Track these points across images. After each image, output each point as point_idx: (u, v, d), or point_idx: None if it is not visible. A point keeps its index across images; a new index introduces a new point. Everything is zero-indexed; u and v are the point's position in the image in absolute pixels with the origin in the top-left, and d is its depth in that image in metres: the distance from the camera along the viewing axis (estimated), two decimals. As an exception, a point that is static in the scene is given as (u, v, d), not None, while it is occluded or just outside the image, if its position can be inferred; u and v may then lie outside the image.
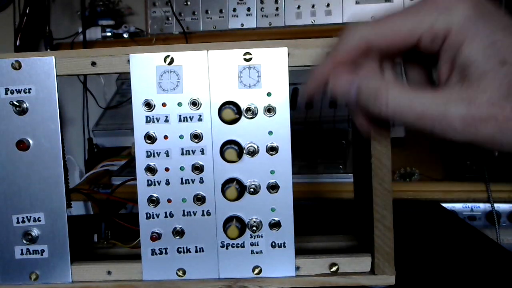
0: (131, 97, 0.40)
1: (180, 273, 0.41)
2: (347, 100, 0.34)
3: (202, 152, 0.40)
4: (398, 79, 0.34)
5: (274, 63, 0.39)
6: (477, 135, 0.30)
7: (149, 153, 0.40)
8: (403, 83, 0.33)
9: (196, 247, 0.41)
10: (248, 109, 0.39)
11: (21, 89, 0.40)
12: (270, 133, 0.40)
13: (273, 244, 0.41)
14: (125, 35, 1.33)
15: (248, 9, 1.23)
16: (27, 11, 1.27)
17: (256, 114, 0.39)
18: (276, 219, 0.40)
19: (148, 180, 0.40)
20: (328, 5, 1.18)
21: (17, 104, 0.40)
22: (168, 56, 0.39)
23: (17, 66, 0.40)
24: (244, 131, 0.40)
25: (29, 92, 0.40)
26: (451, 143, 0.32)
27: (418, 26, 0.31)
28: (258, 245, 0.41)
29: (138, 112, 0.40)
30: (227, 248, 0.41)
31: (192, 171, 0.40)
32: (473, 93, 0.30)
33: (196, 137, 0.40)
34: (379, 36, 0.32)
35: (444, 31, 0.31)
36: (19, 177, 0.41)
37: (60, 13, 1.43)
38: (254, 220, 0.40)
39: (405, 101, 0.31)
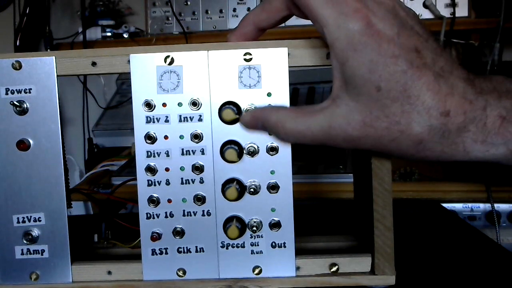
0: (131, 97, 0.40)
1: (180, 273, 0.41)
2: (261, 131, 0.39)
3: (202, 152, 0.40)
4: (292, 108, 0.37)
5: (274, 63, 0.39)
6: (360, 147, 0.34)
7: (149, 153, 0.40)
8: (297, 110, 0.36)
9: (196, 247, 0.41)
10: (248, 110, 0.39)
11: (22, 89, 0.40)
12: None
13: (273, 244, 0.41)
14: (125, 35, 1.33)
15: (248, 9, 1.23)
16: (27, 11, 1.27)
17: (256, 114, 0.39)
18: (276, 219, 0.40)
19: (148, 180, 0.40)
20: (328, 5, 1.18)
21: (18, 104, 0.40)
22: (168, 56, 0.39)
23: (17, 66, 0.40)
24: (244, 131, 0.40)
25: (30, 92, 0.40)
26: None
27: (322, 17, 0.33)
28: (258, 245, 0.41)
29: (138, 112, 0.40)
30: (227, 248, 0.41)
31: (192, 171, 0.40)
32: (350, 113, 0.33)
33: (196, 137, 0.40)
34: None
35: (330, 41, 0.33)
36: (19, 177, 0.41)
37: (60, 13, 1.43)
38: (254, 220, 0.40)
39: (300, 128, 0.35)
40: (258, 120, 0.38)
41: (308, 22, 0.35)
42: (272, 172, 0.40)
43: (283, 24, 0.41)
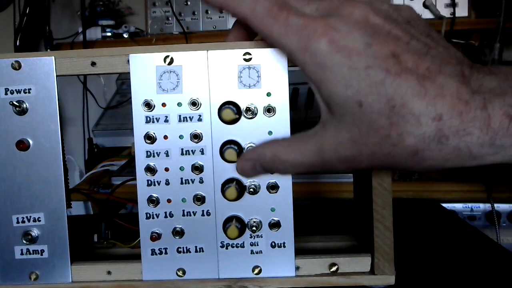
0: (131, 97, 0.40)
1: (180, 273, 0.41)
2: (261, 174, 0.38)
3: (202, 152, 0.40)
4: (284, 139, 0.38)
5: (274, 63, 0.39)
6: (357, 167, 0.33)
7: (149, 153, 0.40)
8: (290, 140, 0.37)
9: (196, 247, 0.41)
10: (248, 109, 0.39)
11: (21, 89, 0.40)
12: (270, 133, 0.40)
13: (273, 244, 0.41)
14: (125, 35, 1.33)
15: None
16: (27, 11, 1.27)
17: (256, 114, 0.39)
18: (276, 219, 0.40)
19: (148, 180, 0.40)
20: (328, 5, 1.18)
21: (17, 104, 0.40)
22: (168, 56, 0.39)
23: (17, 66, 0.40)
24: (244, 131, 0.40)
25: (29, 92, 0.40)
26: None
27: (285, 45, 0.33)
28: (258, 245, 0.41)
29: (138, 112, 0.40)
30: (227, 248, 0.41)
31: (192, 171, 0.40)
32: (339, 133, 0.32)
33: (196, 137, 0.40)
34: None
35: (301, 67, 0.33)
36: (19, 177, 0.41)
37: (60, 13, 1.43)
38: (254, 220, 0.40)
39: (295, 157, 0.35)
40: (255, 161, 0.37)
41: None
42: (272, 172, 0.40)
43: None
